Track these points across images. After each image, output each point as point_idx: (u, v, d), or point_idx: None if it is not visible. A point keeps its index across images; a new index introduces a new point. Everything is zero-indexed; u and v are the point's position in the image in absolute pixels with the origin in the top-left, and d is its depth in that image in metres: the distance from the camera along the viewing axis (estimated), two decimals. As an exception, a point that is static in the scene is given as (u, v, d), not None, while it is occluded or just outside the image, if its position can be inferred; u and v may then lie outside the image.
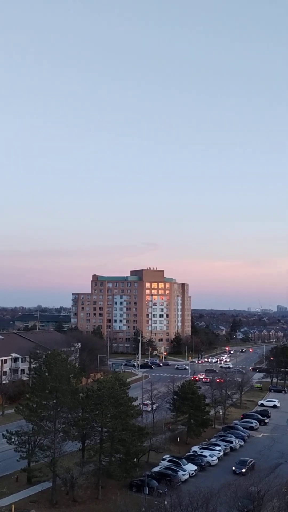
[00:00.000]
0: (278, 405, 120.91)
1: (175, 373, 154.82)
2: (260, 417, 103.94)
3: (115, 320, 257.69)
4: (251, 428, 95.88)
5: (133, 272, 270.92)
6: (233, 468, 68.62)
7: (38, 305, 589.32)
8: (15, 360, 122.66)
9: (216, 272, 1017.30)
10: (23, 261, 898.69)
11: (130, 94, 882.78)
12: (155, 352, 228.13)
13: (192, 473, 67.30)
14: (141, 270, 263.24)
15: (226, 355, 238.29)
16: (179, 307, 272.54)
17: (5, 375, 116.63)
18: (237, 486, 48.35)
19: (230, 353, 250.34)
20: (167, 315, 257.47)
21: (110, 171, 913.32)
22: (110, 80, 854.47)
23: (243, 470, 66.82)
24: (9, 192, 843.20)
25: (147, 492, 55.29)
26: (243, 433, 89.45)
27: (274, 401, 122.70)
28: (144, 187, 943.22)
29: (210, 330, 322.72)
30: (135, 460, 64.16)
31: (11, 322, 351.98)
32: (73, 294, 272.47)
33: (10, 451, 64.13)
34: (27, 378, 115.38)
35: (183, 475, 65.34)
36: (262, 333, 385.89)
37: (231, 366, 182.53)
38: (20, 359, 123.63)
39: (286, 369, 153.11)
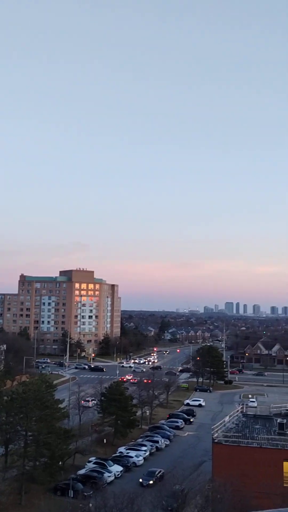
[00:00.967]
0: (203, 404, 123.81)
1: (103, 375, 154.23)
2: (185, 416, 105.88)
3: (43, 321, 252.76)
4: (177, 428, 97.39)
5: (62, 273, 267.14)
6: (140, 480, 62.79)
7: None
8: None
9: (146, 273, 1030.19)
10: None
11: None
12: (83, 354, 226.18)
13: (118, 474, 67.18)
14: (71, 271, 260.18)
15: (154, 356, 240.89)
16: (109, 308, 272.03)
17: None
18: (161, 485, 48.83)
19: (157, 354, 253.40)
20: (96, 316, 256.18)
21: (38, 167, 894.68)
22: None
23: (151, 482, 61.44)
24: None
25: (72, 496, 54.54)
26: (169, 433, 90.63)
27: (200, 401, 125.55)
28: (73, 186, 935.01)
29: (139, 331, 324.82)
30: (60, 463, 63.11)
31: None
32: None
33: None
34: None
35: (109, 476, 65.04)
36: (190, 334, 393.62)
37: (162, 367, 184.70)
38: None
39: (211, 369, 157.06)
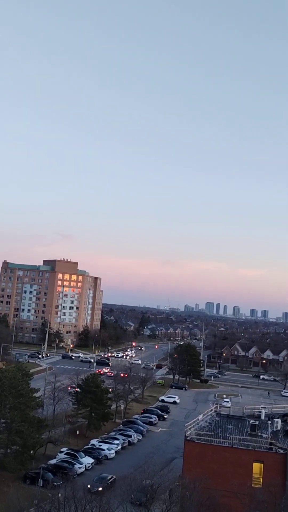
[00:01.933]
0: (178, 401, 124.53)
1: (80, 366, 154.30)
2: (159, 412, 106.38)
3: (23, 309, 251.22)
4: (150, 423, 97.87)
5: (45, 262, 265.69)
6: (89, 486, 55.35)
7: None
8: None
9: (129, 269, 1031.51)
10: None
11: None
12: (61, 344, 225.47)
13: (89, 466, 67.38)
14: (54, 261, 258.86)
15: (131, 350, 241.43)
16: (90, 300, 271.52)
17: None
18: (132, 479, 49.06)
19: (134, 348, 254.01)
20: (77, 308, 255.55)
21: (27, 157, 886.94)
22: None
23: (100, 489, 56.16)
24: None
25: (42, 485, 54.49)
26: (142, 428, 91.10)
27: (174, 398, 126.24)
28: (59, 178, 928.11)
29: (119, 325, 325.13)
30: (31, 452, 63.04)
31: None
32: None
33: None
34: None
35: (80, 468, 65.24)
36: (169, 331, 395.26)
37: (140, 362, 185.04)
38: None
39: (188, 367, 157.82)
